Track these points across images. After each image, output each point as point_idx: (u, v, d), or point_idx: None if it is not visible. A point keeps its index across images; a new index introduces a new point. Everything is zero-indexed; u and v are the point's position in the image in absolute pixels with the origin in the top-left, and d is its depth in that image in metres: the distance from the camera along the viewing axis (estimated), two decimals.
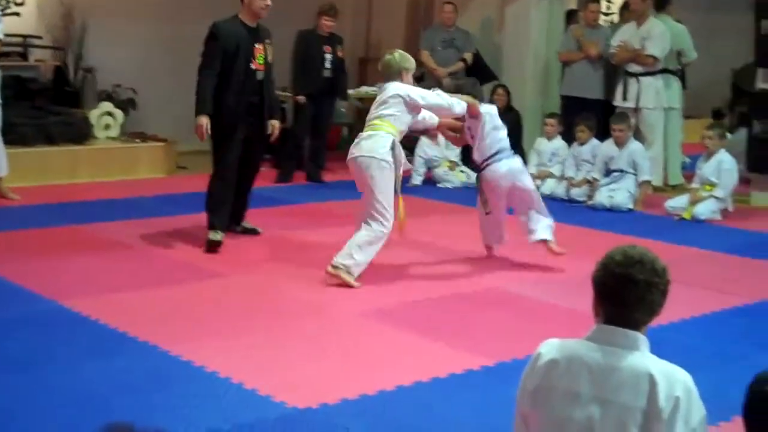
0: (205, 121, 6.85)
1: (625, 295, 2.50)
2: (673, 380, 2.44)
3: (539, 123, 10.38)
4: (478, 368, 4.62)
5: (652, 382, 2.42)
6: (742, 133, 9.92)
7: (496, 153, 6.54)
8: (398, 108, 6.19)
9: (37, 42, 10.43)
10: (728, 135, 9.30)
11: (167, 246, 6.95)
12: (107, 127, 10.20)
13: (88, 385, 4.25)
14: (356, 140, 6.30)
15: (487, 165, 6.54)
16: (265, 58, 7.06)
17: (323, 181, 10.04)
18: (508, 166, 6.53)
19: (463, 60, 10.81)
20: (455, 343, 4.99)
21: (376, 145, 6.10)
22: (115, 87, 10.81)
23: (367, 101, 12.26)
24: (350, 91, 11.46)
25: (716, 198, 8.55)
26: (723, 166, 8.58)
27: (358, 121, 12.81)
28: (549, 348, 2.61)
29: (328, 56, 10.01)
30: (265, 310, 5.49)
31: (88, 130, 9.94)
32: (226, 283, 6.03)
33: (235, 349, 4.76)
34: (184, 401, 4.09)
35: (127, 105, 10.74)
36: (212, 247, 6.81)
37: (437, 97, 6.39)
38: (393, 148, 6.08)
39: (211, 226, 6.93)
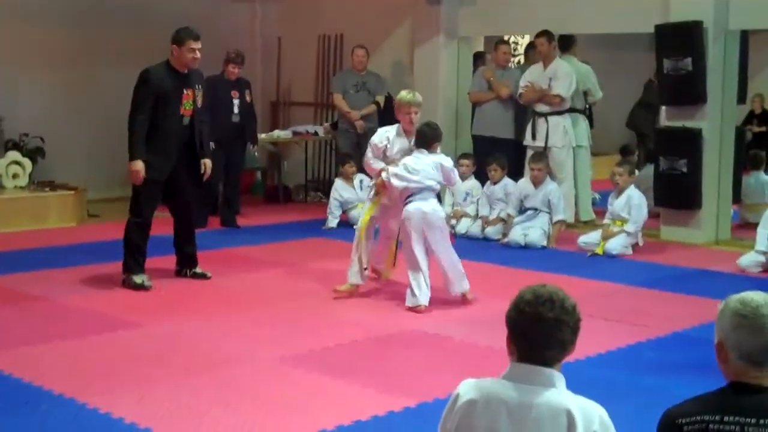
0: (140, 165, 6.94)
1: (536, 333, 2.54)
2: (591, 415, 2.47)
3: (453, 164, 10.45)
4: (400, 409, 4.62)
5: (570, 418, 2.45)
6: (649, 169, 10.15)
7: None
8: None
9: None
10: (636, 171, 9.51)
11: (79, 296, 6.82)
12: (15, 176, 10.02)
13: None
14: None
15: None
16: (194, 103, 7.21)
17: (238, 226, 9.98)
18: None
19: (376, 103, 10.89)
20: (376, 385, 4.99)
21: None
22: (23, 136, 10.64)
23: (280, 145, 12.33)
24: (262, 135, 11.46)
25: (627, 233, 8.71)
26: (633, 202, 8.76)
27: (271, 166, 12.85)
28: (467, 388, 2.63)
29: (236, 101, 9.99)
30: (181, 359, 5.41)
31: None
32: (140, 333, 5.93)
33: (152, 399, 4.68)
34: None
35: (35, 154, 10.57)
36: (141, 289, 7.01)
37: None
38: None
39: (128, 270, 7.12)
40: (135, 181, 7.00)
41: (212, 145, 9.79)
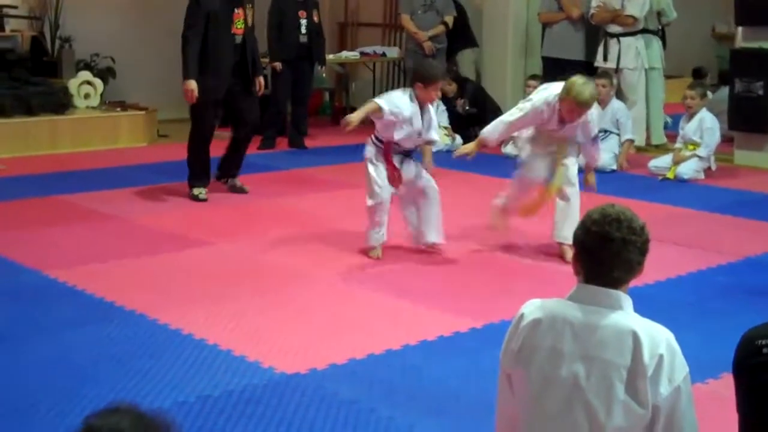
0: (193, 84, 7.06)
1: (603, 253, 2.50)
2: (657, 338, 2.44)
3: (522, 85, 10.33)
4: (466, 330, 4.63)
5: (636, 340, 2.42)
6: (723, 92, 9.93)
7: None
8: None
9: (12, 12, 10.32)
10: (709, 94, 9.30)
11: (150, 215, 6.91)
12: (87, 96, 10.11)
13: (75, 354, 4.25)
14: None
15: None
16: (245, 22, 7.25)
17: (306, 147, 10.00)
18: None
19: (444, 23, 10.74)
20: (442, 306, 5.00)
21: None
22: (94, 56, 10.72)
23: (348, 66, 12.27)
24: (330, 56, 11.39)
25: (699, 157, 8.57)
26: (705, 125, 8.60)
27: (339, 87, 12.81)
28: (531, 308, 2.61)
29: (304, 21, 9.92)
30: (250, 277, 5.47)
31: (67, 99, 9.85)
32: (210, 252, 6.01)
33: (222, 316, 4.76)
34: (173, 369, 4.09)
35: (106, 74, 10.65)
36: (196, 200, 7.31)
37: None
38: None
39: (191, 185, 7.40)
40: (189, 99, 7.14)
41: (279, 65, 9.85)
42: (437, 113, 9.88)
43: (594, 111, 5.95)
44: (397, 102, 5.83)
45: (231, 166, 7.70)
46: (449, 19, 10.74)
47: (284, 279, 5.45)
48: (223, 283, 5.33)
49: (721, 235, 6.66)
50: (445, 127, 10.10)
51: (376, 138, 5.97)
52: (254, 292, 5.18)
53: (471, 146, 6.24)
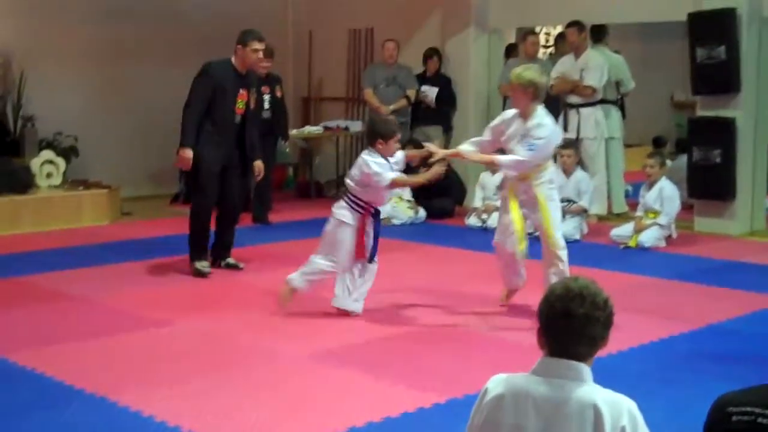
0: (189, 153, 7.17)
1: (566, 329, 2.51)
2: (619, 409, 2.44)
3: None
4: (429, 406, 4.60)
5: (597, 414, 2.42)
6: (682, 160, 10.06)
7: None
8: None
9: None
10: (668, 162, 9.43)
11: (113, 294, 6.86)
12: (49, 175, 10.08)
13: None
14: None
15: None
16: (247, 104, 7.45)
17: (270, 222, 10.00)
18: None
19: (407, 97, 10.87)
20: (406, 381, 4.97)
21: None
22: (56, 135, 10.72)
23: (311, 140, 12.33)
24: (294, 131, 11.47)
25: (660, 225, 8.65)
26: (665, 194, 8.69)
27: (303, 161, 12.86)
28: (495, 383, 2.61)
29: (267, 97, 9.99)
30: (211, 356, 5.42)
31: (29, 179, 9.82)
32: (170, 331, 5.95)
33: (184, 397, 4.70)
34: None
35: (69, 152, 10.65)
36: (199, 276, 7.33)
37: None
38: None
39: (193, 259, 7.43)
40: (183, 167, 7.26)
41: None
42: None
43: (550, 125, 6.13)
44: (383, 163, 5.94)
45: (221, 248, 7.72)
46: (411, 93, 10.88)
47: (245, 357, 5.40)
48: (184, 362, 5.27)
49: (683, 302, 6.69)
50: (408, 200, 10.15)
51: (356, 202, 6.02)
52: (214, 371, 5.12)
53: (451, 151, 6.65)
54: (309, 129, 12.06)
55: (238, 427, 4.32)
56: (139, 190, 11.26)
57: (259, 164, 7.64)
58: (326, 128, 12.07)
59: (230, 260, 7.71)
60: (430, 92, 10.87)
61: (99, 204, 10.04)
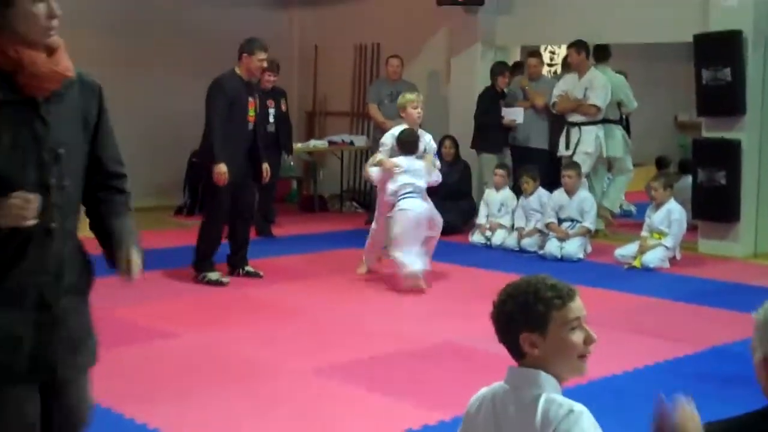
0: (224, 168, 7.33)
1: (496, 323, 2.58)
2: (560, 404, 2.38)
3: (489, 172, 10.33)
4: (435, 423, 4.59)
5: (542, 409, 2.38)
6: (685, 181, 10.06)
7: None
8: None
9: None
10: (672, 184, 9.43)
11: (117, 306, 6.84)
12: None
13: None
14: None
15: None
16: (255, 111, 7.65)
17: (273, 236, 10.00)
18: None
19: None
20: (410, 398, 4.97)
21: None
22: None
23: (315, 154, 12.35)
24: (298, 145, 11.48)
25: (665, 247, 8.64)
26: (673, 216, 8.67)
27: (307, 175, 12.87)
28: (475, 397, 2.64)
29: (271, 110, 10.02)
30: (218, 370, 5.42)
31: None
32: (176, 343, 5.95)
33: (187, 410, 4.70)
34: None
35: None
36: (218, 285, 7.46)
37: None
38: None
39: (205, 270, 7.52)
40: (219, 182, 7.37)
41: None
42: None
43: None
44: None
45: (237, 257, 7.85)
46: None
47: (252, 371, 5.40)
48: (189, 375, 5.27)
49: (687, 324, 6.69)
50: None
51: None
52: (221, 385, 5.12)
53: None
54: (313, 143, 12.09)
55: None
56: (142, 201, 11.23)
57: (266, 167, 7.79)
58: (331, 143, 12.09)
59: (249, 268, 7.84)
60: (516, 115, 10.53)
61: None
